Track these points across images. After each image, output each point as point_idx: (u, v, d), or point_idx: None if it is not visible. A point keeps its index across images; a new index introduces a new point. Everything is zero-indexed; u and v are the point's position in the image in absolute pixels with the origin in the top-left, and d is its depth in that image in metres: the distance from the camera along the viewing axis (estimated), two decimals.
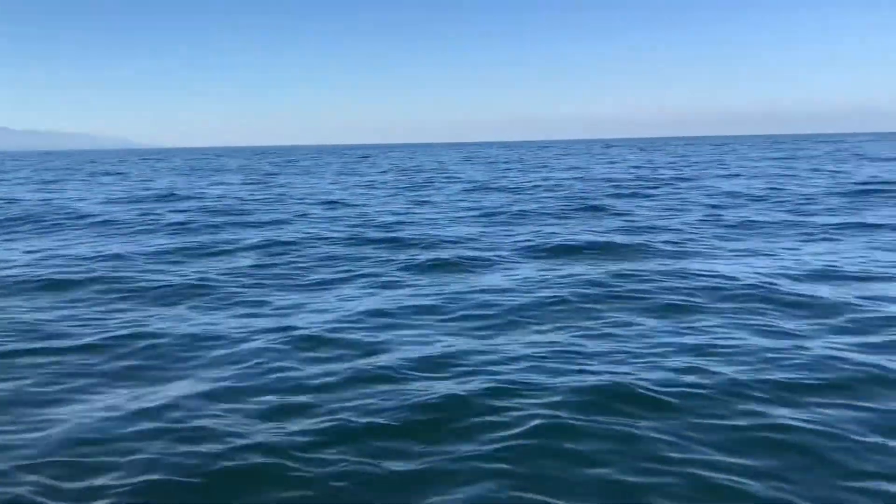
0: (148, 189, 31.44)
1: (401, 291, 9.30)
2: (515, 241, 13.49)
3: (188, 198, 25.64)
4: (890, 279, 9.41)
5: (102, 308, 8.65)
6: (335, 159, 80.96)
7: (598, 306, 8.23)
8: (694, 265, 10.55)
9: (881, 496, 3.95)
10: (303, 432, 4.79)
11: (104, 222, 18.22)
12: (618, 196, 23.46)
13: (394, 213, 19.11)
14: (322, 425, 4.90)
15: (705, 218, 16.92)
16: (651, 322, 7.49)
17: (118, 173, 51.67)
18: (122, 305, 8.80)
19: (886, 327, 7.14)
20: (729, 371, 5.85)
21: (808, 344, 6.55)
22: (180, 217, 18.86)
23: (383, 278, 10.21)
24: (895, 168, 35.02)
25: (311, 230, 15.71)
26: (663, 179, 31.35)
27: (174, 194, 26.90)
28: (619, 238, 13.47)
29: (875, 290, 8.79)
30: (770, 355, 6.24)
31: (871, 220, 15.52)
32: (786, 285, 9.03)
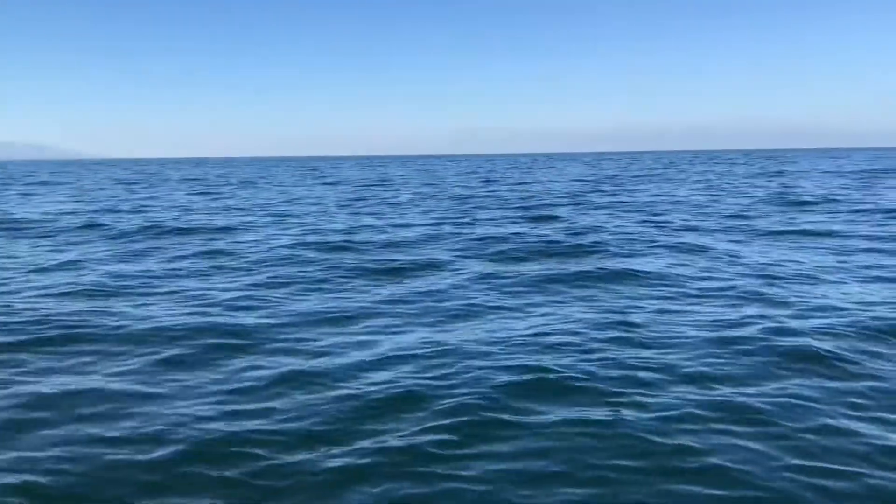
0: (91, 200, 30.73)
1: (344, 295, 9.36)
2: (462, 247, 13.67)
3: (132, 210, 25.13)
4: (818, 277, 9.93)
5: (40, 307, 8.50)
6: (282, 171, 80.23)
7: (544, 308, 8.44)
8: (638, 266, 10.90)
9: (823, 471, 4.19)
10: (233, 433, 4.74)
11: (45, 234, 17.78)
12: (562, 205, 23.94)
13: (341, 222, 19.13)
14: (257, 425, 4.88)
15: (647, 223, 17.43)
16: (597, 318, 7.72)
17: (59, 183, 50.26)
18: (60, 304, 8.66)
19: (819, 313, 7.63)
20: (675, 360, 6.11)
21: (748, 334, 6.88)
22: (124, 226, 18.52)
23: (328, 283, 10.24)
24: (826, 181, 36.55)
25: (257, 238, 15.64)
26: (606, 191, 32.13)
27: (119, 207, 26.32)
28: (563, 240, 13.79)
29: (805, 286, 9.27)
30: (716, 348, 6.53)
31: (802, 227, 16.26)
32: (726, 282, 9.44)
